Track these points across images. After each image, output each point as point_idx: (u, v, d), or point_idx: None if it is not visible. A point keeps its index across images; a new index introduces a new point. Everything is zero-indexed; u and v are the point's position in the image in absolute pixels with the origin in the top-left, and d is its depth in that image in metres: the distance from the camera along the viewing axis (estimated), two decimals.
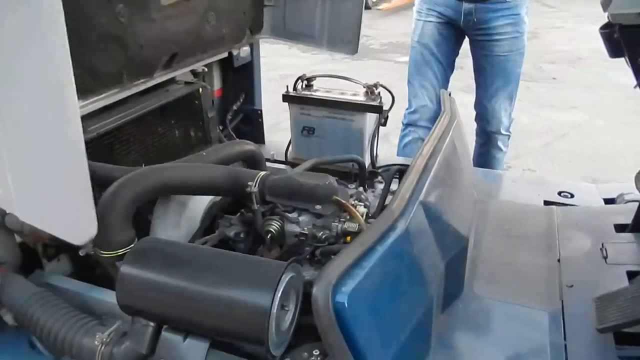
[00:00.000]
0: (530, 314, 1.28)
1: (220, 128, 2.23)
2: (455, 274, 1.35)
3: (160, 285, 1.00)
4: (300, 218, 1.27)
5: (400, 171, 1.59)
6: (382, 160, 2.19)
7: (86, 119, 1.54)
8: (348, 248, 0.96)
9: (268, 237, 1.30)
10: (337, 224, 1.26)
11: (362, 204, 1.31)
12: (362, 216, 1.27)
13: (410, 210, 1.13)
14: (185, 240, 1.49)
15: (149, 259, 1.05)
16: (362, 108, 1.94)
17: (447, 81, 2.72)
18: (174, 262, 1.03)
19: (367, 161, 2.11)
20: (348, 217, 1.26)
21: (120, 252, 1.17)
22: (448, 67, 2.68)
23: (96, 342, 1.01)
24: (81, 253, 1.28)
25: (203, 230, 1.62)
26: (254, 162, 1.62)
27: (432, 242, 1.21)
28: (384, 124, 2.08)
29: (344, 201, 1.25)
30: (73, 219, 0.98)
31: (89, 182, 1.00)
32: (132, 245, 1.20)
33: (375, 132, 2.05)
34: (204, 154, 1.49)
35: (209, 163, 1.48)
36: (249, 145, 1.60)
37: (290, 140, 2.20)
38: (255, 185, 1.30)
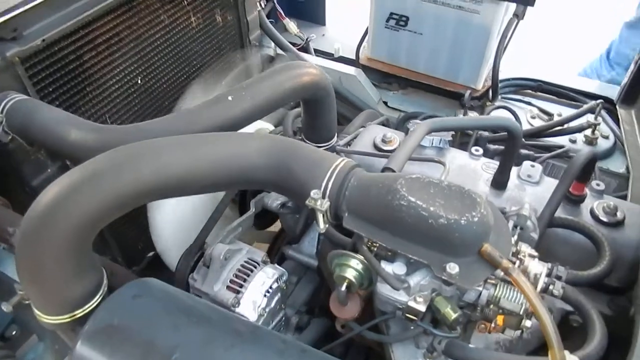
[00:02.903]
0: None
1: (262, 5, 1.47)
2: None
3: None
4: (412, 280, 0.64)
5: (592, 160, 0.79)
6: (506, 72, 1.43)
7: (22, 17, 0.86)
8: None
9: (343, 286, 0.70)
10: (480, 289, 0.64)
11: (534, 254, 0.65)
12: (535, 281, 0.63)
13: None
14: (202, 215, 0.93)
15: (123, 343, 0.58)
16: None
17: None
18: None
19: (484, 75, 1.36)
20: (501, 273, 0.63)
21: (78, 313, 0.64)
22: None
23: None
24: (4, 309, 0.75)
25: (233, 196, 1.06)
26: (316, 107, 0.93)
27: None
28: (522, 17, 1.29)
29: (505, 260, 0.60)
30: None
31: None
32: (98, 297, 0.66)
33: (509, 33, 1.27)
34: (230, 98, 0.81)
35: (237, 114, 0.82)
36: (308, 73, 0.89)
37: (366, 31, 1.45)
38: (324, 196, 0.66)
